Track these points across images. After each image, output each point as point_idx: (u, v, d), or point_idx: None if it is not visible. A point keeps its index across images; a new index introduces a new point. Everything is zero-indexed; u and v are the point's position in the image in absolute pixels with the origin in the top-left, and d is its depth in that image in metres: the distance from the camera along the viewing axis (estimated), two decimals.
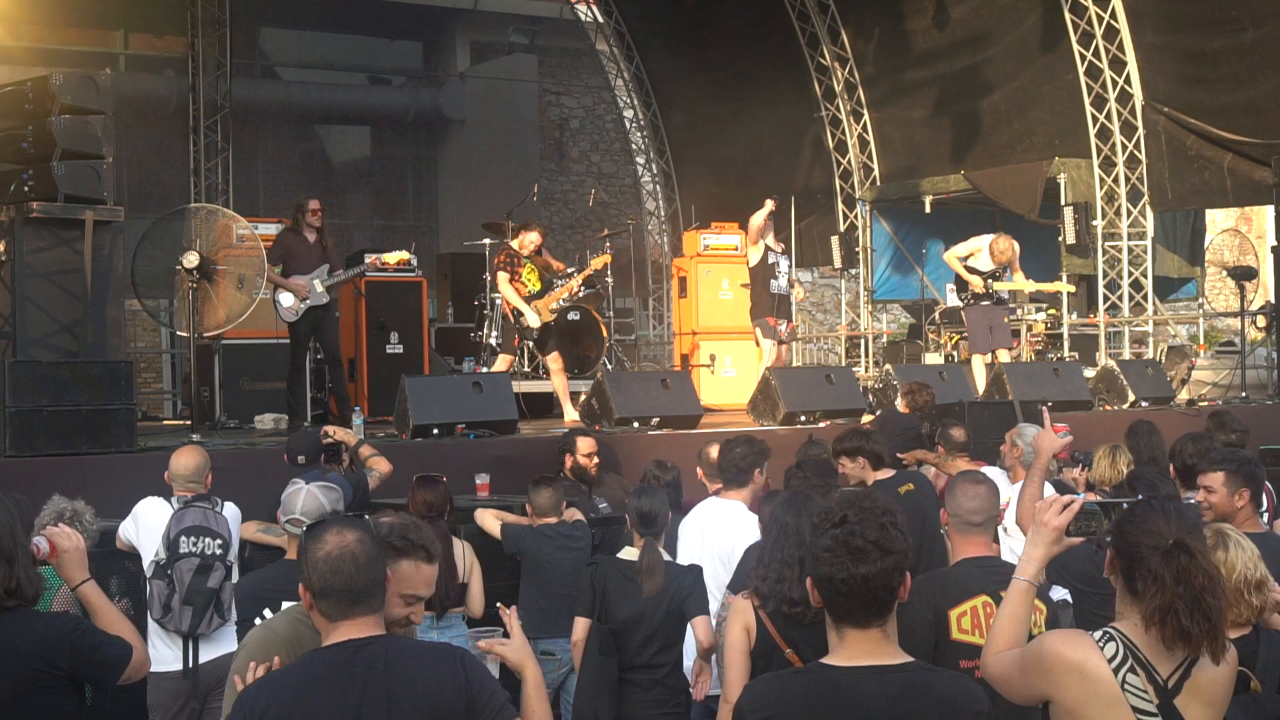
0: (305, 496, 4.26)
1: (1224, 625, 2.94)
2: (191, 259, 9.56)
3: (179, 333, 10.59)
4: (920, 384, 9.09)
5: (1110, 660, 2.95)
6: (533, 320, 10.59)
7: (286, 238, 10.50)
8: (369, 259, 11.03)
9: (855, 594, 2.78)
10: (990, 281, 11.74)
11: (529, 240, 10.92)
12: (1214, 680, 2.97)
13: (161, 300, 12.44)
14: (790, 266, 11.68)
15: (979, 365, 11.77)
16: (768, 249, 11.36)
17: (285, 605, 3.46)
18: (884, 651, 2.82)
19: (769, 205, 11.36)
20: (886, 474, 6.44)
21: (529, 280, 10.84)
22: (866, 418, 9.72)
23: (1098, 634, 3.02)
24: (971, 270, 11.83)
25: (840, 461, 6.55)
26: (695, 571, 5.37)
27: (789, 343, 11.81)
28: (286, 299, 10.35)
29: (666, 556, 5.41)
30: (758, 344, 11.63)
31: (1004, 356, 11.81)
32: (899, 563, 2.82)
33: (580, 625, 5.37)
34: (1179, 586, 2.90)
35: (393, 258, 11.09)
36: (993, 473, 6.00)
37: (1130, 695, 2.93)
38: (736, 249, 14.47)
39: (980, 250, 11.87)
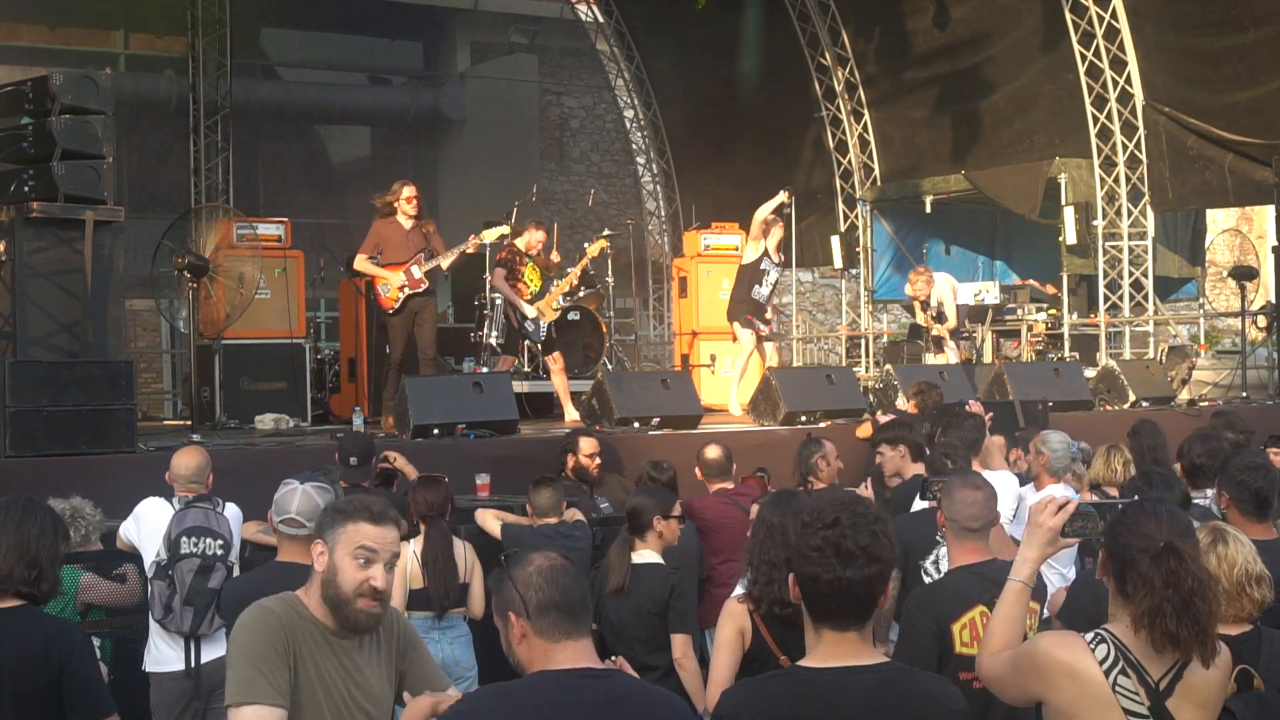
0: (300, 497, 4.26)
1: (1214, 629, 2.94)
2: (180, 259, 9.55)
3: (183, 330, 10.45)
4: (929, 384, 9.13)
5: (1102, 662, 2.96)
6: (529, 311, 10.59)
7: (380, 226, 10.27)
8: (470, 238, 10.65)
9: (837, 596, 2.78)
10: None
11: (534, 240, 10.91)
12: (1206, 682, 2.97)
13: (163, 300, 12.45)
14: (778, 279, 11.48)
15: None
16: (765, 254, 11.22)
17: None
18: (860, 652, 2.82)
19: (781, 196, 11.11)
20: (921, 469, 6.46)
21: (531, 280, 10.84)
22: (865, 430, 9.65)
23: (1089, 635, 3.03)
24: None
25: (880, 449, 6.62)
26: (676, 576, 5.34)
27: (773, 340, 11.72)
28: (384, 289, 10.15)
29: (654, 558, 5.38)
30: (735, 339, 11.64)
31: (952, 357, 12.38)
32: (884, 571, 2.82)
33: None
34: (1168, 590, 2.90)
35: (492, 234, 10.77)
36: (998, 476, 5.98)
37: (1122, 697, 2.94)
38: (737, 249, 14.45)
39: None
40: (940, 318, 12.56)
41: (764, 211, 11.14)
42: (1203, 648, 2.91)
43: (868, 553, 2.77)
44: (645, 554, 5.39)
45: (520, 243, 10.86)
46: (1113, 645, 2.98)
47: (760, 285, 11.24)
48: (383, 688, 3.28)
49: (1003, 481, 5.84)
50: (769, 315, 11.55)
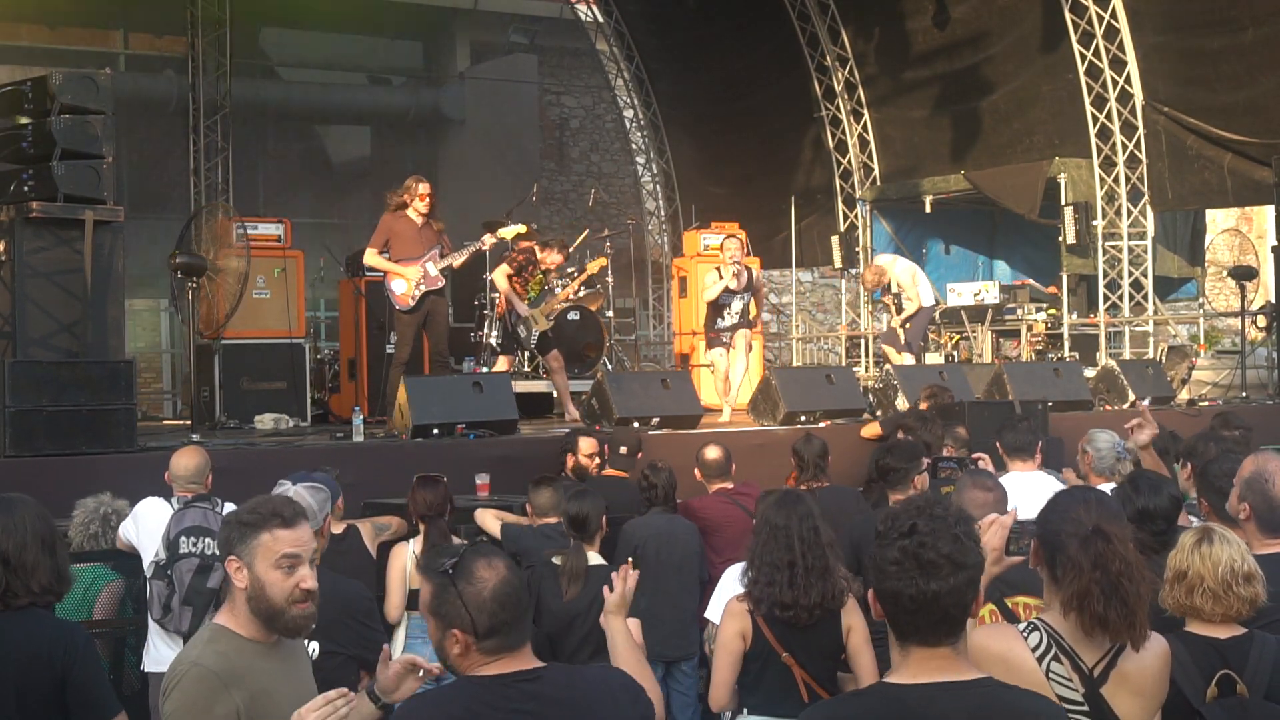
0: (292, 497, 4.27)
1: (1143, 611, 2.96)
2: (174, 259, 9.56)
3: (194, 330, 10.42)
4: (940, 387, 9.21)
5: (1034, 650, 2.99)
6: (522, 310, 10.61)
7: (390, 221, 10.07)
8: (485, 236, 10.62)
9: (924, 611, 2.49)
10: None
11: (550, 260, 11.00)
12: (1142, 670, 3.00)
13: (162, 300, 12.48)
14: (745, 305, 11.11)
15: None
16: (726, 289, 11.02)
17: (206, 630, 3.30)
18: (955, 668, 2.53)
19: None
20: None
21: (532, 288, 10.92)
22: (871, 429, 9.61)
23: (1023, 625, 3.08)
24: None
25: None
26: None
27: (745, 328, 11.42)
28: (399, 286, 9.98)
29: (598, 560, 5.42)
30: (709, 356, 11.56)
31: (894, 358, 12.57)
32: (972, 577, 2.53)
33: None
34: (1096, 572, 2.94)
35: (509, 232, 10.65)
36: (1038, 476, 5.96)
37: (1055, 684, 2.96)
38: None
39: None
40: (898, 305, 12.75)
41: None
42: (1131, 630, 2.94)
43: (952, 560, 2.49)
44: (594, 557, 5.43)
45: (538, 252, 10.93)
46: (1045, 633, 3.01)
47: (723, 319, 11.12)
48: (310, 677, 3.31)
49: (1041, 483, 5.78)
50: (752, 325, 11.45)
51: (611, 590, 3.39)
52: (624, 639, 3.35)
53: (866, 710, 2.56)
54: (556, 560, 5.44)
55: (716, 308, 11.19)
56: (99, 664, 3.63)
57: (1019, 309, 15.10)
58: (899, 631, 2.55)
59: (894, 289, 12.88)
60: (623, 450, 7.41)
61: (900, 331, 12.76)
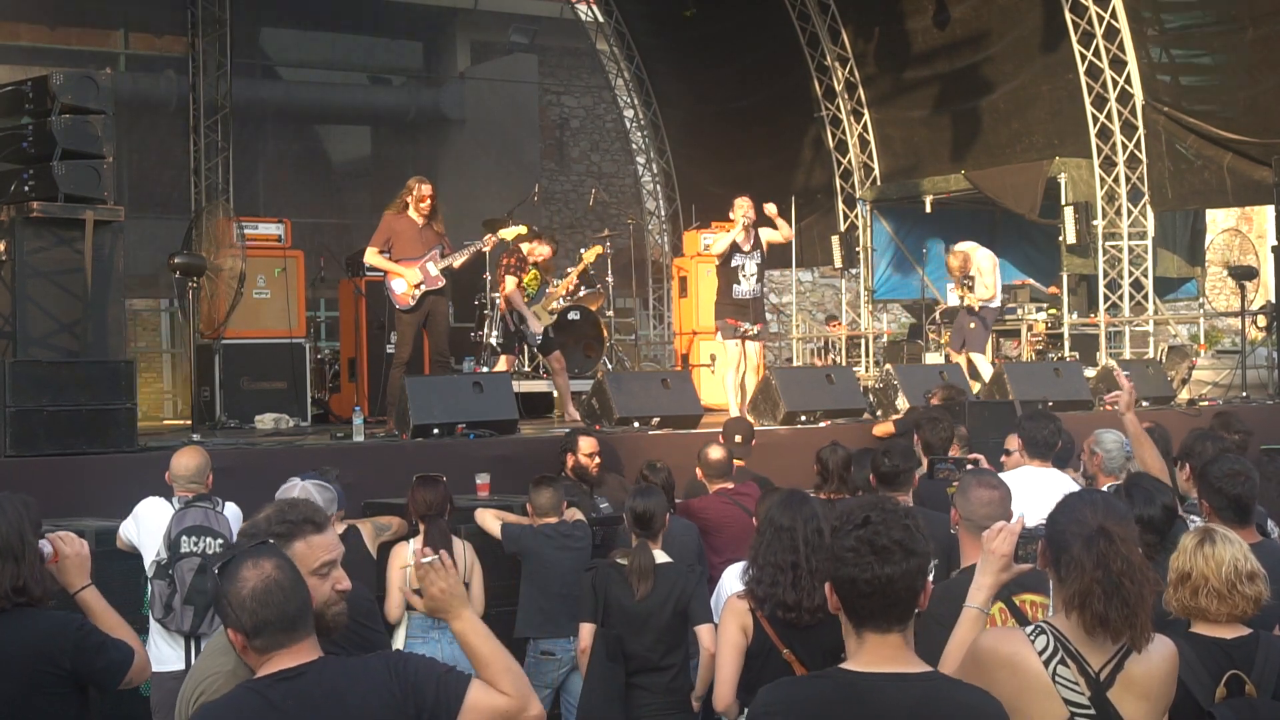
0: (300, 494, 4.27)
1: (1145, 612, 2.97)
2: (173, 259, 9.55)
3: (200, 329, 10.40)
4: (958, 389, 9.18)
5: (1041, 653, 3.00)
6: (535, 325, 10.61)
7: (391, 221, 10.00)
8: (487, 236, 10.59)
9: (879, 595, 2.70)
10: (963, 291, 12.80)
11: (539, 252, 10.95)
12: (1148, 673, 3.00)
13: (162, 300, 12.48)
14: (758, 268, 10.68)
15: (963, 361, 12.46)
16: (735, 248, 10.55)
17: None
18: (904, 659, 2.73)
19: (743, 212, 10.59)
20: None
21: (529, 285, 10.90)
22: (884, 428, 9.54)
23: (1030, 628, 3.10)
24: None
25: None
26: (695, 573, 5.37)
27: (761, 340, 11.19)
28: (399, 285, 9.92)
29: (665, 558, 5.41)
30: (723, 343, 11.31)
31: (977, 359, 12.47)
32: (922, 565, 2.74)
33: (586, 631, 5.40)
34: (1098, 571, 2.96)
35: (510, 233, 10.63)
36: (1053, 475, 5.94)
37: (1061, 687, 2.97)
38: None
39: None
40: (970, 287, 12.65)
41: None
42: (1132, 629, 2.95)
43: (903, 547, 2.70)
44: (659, 554, 5.41)
45: (525, 248, 10.91)
46: (1052, 636, 3.02)
47: (738, 283, 10.59)
48: None
49: (1055, 481, 5.75)
50: (764, 312, 11.21)
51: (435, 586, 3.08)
52: (472, 634, 3.02)
53: (822, 692, 2.75)
54: (622, 560, 5.43)
55: (730, 271, 10.60)
56: (97, 634, 3.63)
57: (1019, 309, 15.10)
58: (855, 618, 2.75)
59: (972, 273, 12.76)
60: (737, 439, 7.55)
61: (973, 326, 12.65)
